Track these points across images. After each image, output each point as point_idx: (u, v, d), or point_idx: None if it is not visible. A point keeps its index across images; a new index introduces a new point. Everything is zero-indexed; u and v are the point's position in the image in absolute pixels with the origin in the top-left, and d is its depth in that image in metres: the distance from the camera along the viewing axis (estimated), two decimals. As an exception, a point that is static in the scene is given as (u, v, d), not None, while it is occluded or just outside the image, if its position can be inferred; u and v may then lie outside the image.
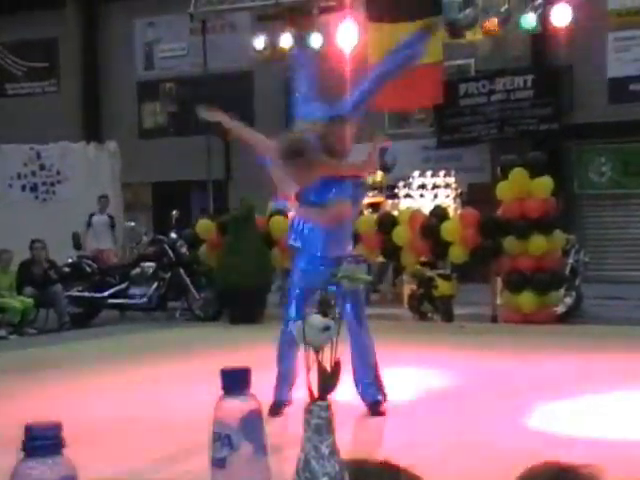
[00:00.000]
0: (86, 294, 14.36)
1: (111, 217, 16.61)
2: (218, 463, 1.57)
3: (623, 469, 4.37)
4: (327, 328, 1.76)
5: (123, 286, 14.29)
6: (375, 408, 6.53)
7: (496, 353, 10.04)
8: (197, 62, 17.60)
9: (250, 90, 21.35)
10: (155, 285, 14.04)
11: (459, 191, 15.58)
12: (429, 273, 13.46)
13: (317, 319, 1.76)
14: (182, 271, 13.99)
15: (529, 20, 14.20)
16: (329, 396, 1.66)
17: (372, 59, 14.55)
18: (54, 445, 1.31)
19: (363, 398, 6.58)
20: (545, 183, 12.99)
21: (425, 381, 8.35)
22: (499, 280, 13.32)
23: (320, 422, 1.63)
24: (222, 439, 1.56)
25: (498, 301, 13.31)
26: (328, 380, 1.65)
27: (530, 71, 18.70)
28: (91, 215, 16.49)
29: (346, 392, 6.02)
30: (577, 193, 18.86)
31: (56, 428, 1.33)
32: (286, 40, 15.61)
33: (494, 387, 7.91)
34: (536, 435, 6.15)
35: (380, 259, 14.48)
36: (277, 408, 6.41)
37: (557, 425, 6.44)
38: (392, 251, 13.69)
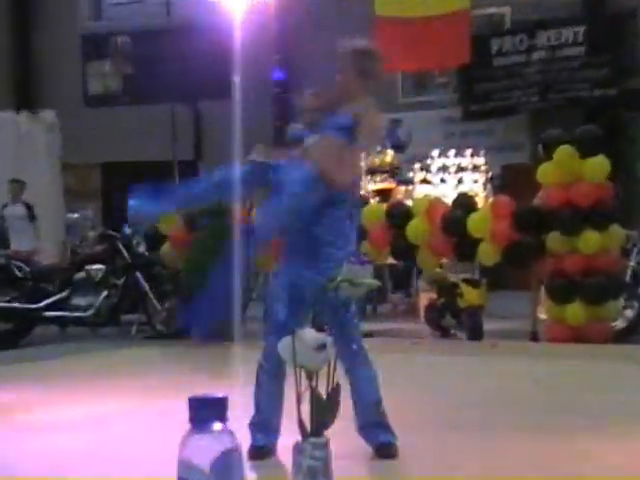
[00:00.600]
0: (16, 305, 14.35)
1: (28, 206, 16.39)
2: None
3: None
4: (323, 346, 1.77)
5: (64, 295, 14.28)
6: (383, 450, 6.56)
7: (537, 379, 10.08)
8: (159, 11, 17.62)
9: (225, 45, 21.27)
10: (105, 293, 14.04)
11: (490, 174, 15.62)
12: (452, 278, 13.49)
13: (311, 335, 1.77)
14: (139, 275, 13.99)
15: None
16: (326, 431, 1.68)
17: (380, 9, 14.62)
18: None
19: (367, 439, 6.61)
20: (600, 164, 13.01)
21: (446, 414, 8.37)
22: (541, 287, 13.34)
23: (314, 464, 1.64)
24: None
25: (540, 314, 13.33)
26: (324, 411, 1.66)
27: (582, 21, 18.75)
28: (3, 206, 16.40)
29: (347, 425, 6.03)
30: (641, 177, 18.95)
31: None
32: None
33: (533, 422, 7.93)
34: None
35: (390, 260, 14.51)
36: (258, 452, 6.42)
37: (603, 471, 6.46)
38: (405, 250, 13.71)
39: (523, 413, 8.42)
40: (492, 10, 18.69)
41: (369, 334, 13.91)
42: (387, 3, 14.64)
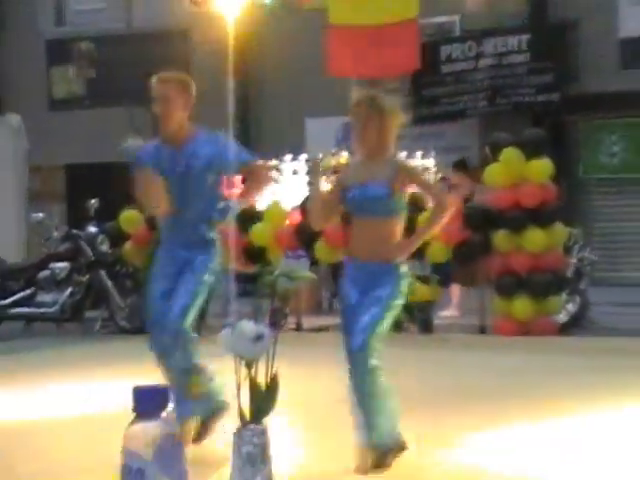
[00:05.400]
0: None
1: None
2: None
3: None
4: (260, 337, 1.77)
5: (29, 292, 14.18)
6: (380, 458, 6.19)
7: (485, 371, 10.12)
8: (120, 17, 17.54)
9: (185, 53, 21.18)
10: (69, 290, 13.95)
11: (440, 176, 15.63)
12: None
13: (248, 327, 1.77)
14: (103, 273, 13.92)
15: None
16: (264, 419, 1.67)
17: (334, 17, 14.61)
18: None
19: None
20: (544, 166, 13.08)
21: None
22: (489, 283, 13.37)
23: (253, 450, 1.64)
24: (133, 474, 1.54)
25: (487, 308, 13.36)
26: (262, 400, 1.65)
27: (527, 30, 18.81)
28: None
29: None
30: (583, 178, 19.01)
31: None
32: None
33: (479, 413, 7.97)
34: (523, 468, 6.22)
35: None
36: None
37: (549, 460, 6.51)
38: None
39: (467, 400, 8.48)
40: (442, 18, 18.71)
41: (324, 328, 13.93)
42: (340, 12, 14.64)
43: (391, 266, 6.27)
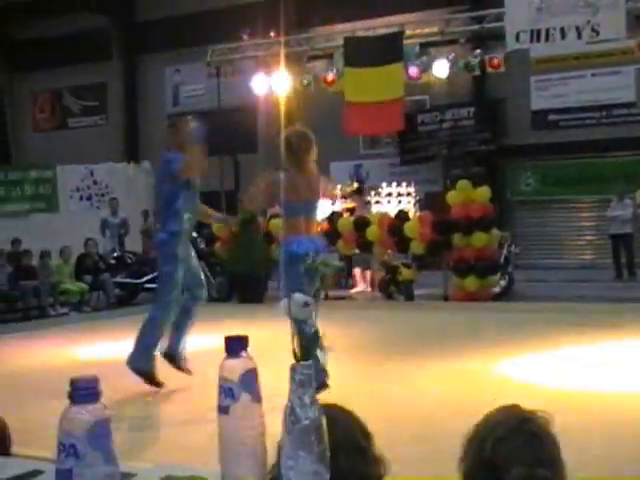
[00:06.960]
0: (127, 280, 14.31)
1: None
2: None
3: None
4: (307, 304, 1.76)
5: (156, 274, 14.18)
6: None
7: (447, 324, 10.09)
8: (213, 99, 17.58)
9: (253, 120, 21.34)
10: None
11: (418, 198, 15.57)
12: (394, 262, 13.44)
13: (300, 297, 1.76)
14: (202, 263, 13.92)
15: (470, 65, 14.34)
16: (310, 357, 1.65)
17: (348, 96, 14.56)
18: (93, 395, 1.30)
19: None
20: (484, 192, 13.01)
21: (386, 343, 8.35)
22: (449, 267, 13.29)
23: (303, 378, 1.62)
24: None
25: (448, 284, 13.28)
26: (310, 344, 1.64)
27: (472, 104, 18.73)
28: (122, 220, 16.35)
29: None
30: (509, 199, 18.90)
31: (94, 382, 1.30)
32: (280, 81, 15.67)
33: (445, 347, 7.94)
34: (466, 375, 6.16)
35: (356, 251, 14.45)
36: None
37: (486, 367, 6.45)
38: (366, 246, 13.68)
39: (435, 343, 8.44)
40: (418, 97, 18.62)
41: (342, 297, 13.87)
42: (352, 93, 14.63)
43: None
